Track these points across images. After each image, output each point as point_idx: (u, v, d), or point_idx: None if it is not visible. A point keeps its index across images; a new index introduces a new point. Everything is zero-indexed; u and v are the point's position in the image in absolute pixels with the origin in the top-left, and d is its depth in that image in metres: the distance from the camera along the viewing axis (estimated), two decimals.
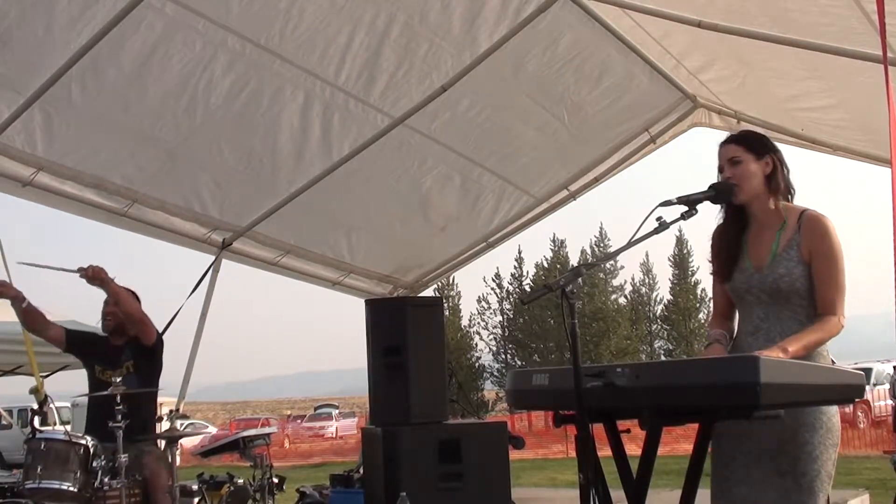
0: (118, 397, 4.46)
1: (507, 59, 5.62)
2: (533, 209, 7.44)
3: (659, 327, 52.27)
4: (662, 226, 2.68)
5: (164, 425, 5.12)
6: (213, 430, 25.56)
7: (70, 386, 8.17)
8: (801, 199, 3.02)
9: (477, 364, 49.25)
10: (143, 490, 4.72)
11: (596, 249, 49.60)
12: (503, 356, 50.81)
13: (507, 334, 51.32)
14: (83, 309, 5.31)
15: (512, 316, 51.08)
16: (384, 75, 5.52)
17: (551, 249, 50.77)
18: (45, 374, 6.56)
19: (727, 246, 3.02)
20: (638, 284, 52.50)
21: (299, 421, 38.30)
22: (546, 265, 49.86)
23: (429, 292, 8.52)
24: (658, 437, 2.66)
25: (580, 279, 2.62)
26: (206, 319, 6.70)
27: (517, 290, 49.84)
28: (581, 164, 7.05)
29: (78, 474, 4.41)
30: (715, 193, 2.92)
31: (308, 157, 6.09)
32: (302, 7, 4.86)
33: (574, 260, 49.65)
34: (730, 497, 2.86)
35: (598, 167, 7.09)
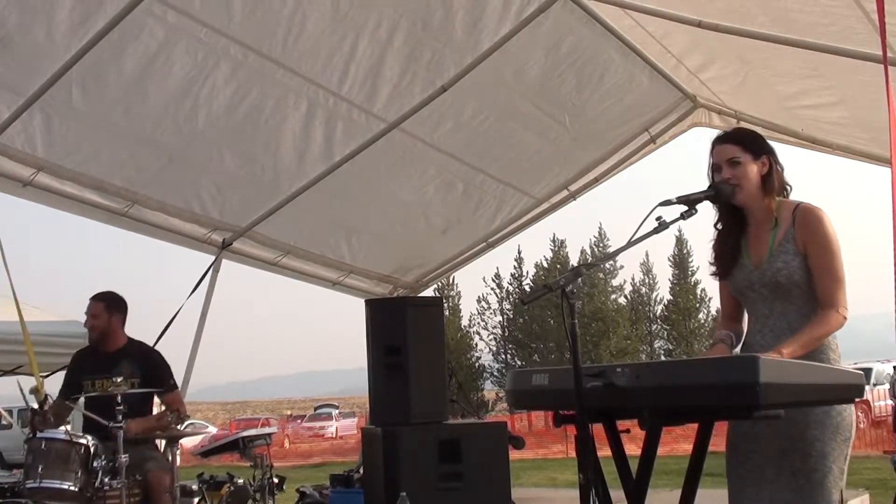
0: (119, 397, 4.46)
1: (509, 65, 5.63)
2: (533, 209, 7.44)
3: (659, 327, 52.28)
4: (662, 225, 2.68)
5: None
6: (213, 429, 25.55)
7: None
8: (800, 199, 3.02)
9: (477, 364, 49.27)
10: (144, 490, 4.73)
11: (596, 249, 49.62)
12: (503, 356, 50.83)
13: (507, 334, 51.33)
14: (83, 308, 5.29)
15: (512, 316, 51.10)
16: (387, 84, 5.53)
17: (551, 249, 50.83)
18: (45, 374, 6.54)
19: (726, 246, 3.03)
20: (638, 284, 52.56)
21: (299, 421, 38.30)
22: (546, 265, 49.88)
23: (429, 292, 8.52)
24: (658, 437, 2.66)
25: (580, 279, 2.62)
26: (207, 319, 6.71)
27: (517, 290, 49.85)
28: (581, 164, 7.05)
29: (79, 474, 4.41)
30: (715, 193, 2.93)
31: (310, 164, 6.10)
32: (304, 15, 4.86)
33: (574, 260, 49.68)
34: (747, 496, 2.87)
35: (598, 167, 7.10)
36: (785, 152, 3.07)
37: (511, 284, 50.76)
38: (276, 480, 5.64)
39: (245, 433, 5.96)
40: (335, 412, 39.61)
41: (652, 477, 2.70)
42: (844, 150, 6.00)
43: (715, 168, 2.98)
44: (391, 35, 5.16)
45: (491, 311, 51.35)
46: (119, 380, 4.58)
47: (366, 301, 5.93)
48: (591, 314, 46.39)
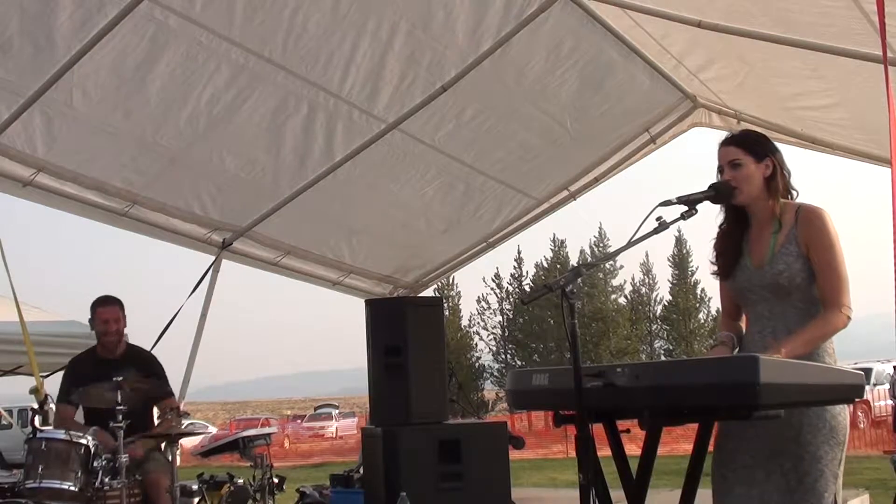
0: (119, 397, 4.45)
1: (510, 66, 5.63)
2: (533, 210, 7.45)
3: (659, 327, 52.25)
4: (662, 226, 2.69)
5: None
6: (213, 430, 25.54)
7: None
8: (800, 199, 3.02)
9: (477, 364, 49.24)
10: (143, 490, 4.73)
11: (596, 249, 49.55)
12: (503, 356, 50.80)
13: (507, 334, 51.30)
14: (83, 308, 5.29)
15: (512, 316, 51.07)
16: (388, 86, 5.54)
17: (551, 249, 50.78)
18: (45, 374, 6.55)
19: (729, 246, 3.03)
20: (638, 284, 52.49)
21: (299, 421, 38.30)
22: (546, 265, 49.85)
23: (429, 292, 8.52)
24: (658, 437, 2.66)
25: (580, 279, 2.62)
26: (207, 319, 6.71)
27: (517, 290, 49.83)
28: (581, 164, 7.06)
29: (79, 474, 4.41)
30: (715, 193, 2.93)
31: (310, 165, 6.11)
32: (305, 18, 4.86)
33: (574, 260, 49.62)
34: (732, 497, 2.85)
35: (598, 168, 7.10)
36: (785, 152, 3.06)
37: (511, 284, 50.73)
38: (276, 480, 5.63)
39: (245, 433, 5.96)
40: (335, 412, 39.61)
41: (652, 477, 2.70)
42: (844, 150, 6.00)
43: (719, 169, 2.99)
44: (391, 37, 5.17)
45: (491, 311, 51.34)
46: (119, 379, 4.56)
47: (366, 301, 5.93)
48: (591, 314, 46.37)
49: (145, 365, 5.22)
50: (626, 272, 53.94)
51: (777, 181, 2.94)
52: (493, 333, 51.18)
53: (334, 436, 34.70)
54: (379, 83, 5.50)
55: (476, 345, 50.13)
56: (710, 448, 2.62)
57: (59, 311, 9.00)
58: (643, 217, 2.71)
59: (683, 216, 2.81)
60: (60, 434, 4.56)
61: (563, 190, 7.30)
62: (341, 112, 5.68)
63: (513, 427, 21.85)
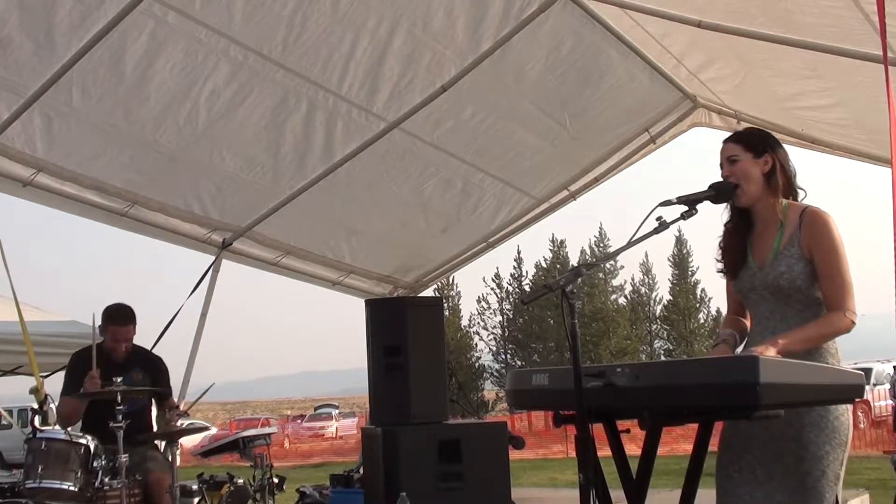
0: (119, 397, 4.45)
1: (510, 65, 5.63)
2: (533, 209, 7.45)
3: (659, 327, 52.29)
4: (662, 226, 2.69)
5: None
6: (213, 430, 25.55)
7: None
8: (808, 203, 3.02)
9: (477, 364, 49.26)
10: (144, 490, 4.73)
11: (596, 249, 49.60)
12: (503, 356, 50.81)
13: (507, 334, 51.32)
14: (83, 308, 5.30)
15: (512, 316, 51.09)
16: (387, 84, 5.53)
17: (551, 249, 50.84)
18: (45, 374, 6.55)
19: (734, 245, 3.03)
20: (638, 284, 52.58)
21: (299, 421, 38.31)
22: (546, 265, 49.88)
23: (429, 292, 8.52)
24: (658, 437, 2.66)
25: (580, 279, 2.62)
26: (207, 319, 6.71)
27: (517, 290, 49.85)
28: (581, 164, 7.05)
29: (79, 474, 4.40)
30: (715, 193, 2.93)
31: (311, 164, 6.10)
32: (305, 16, 4.85)
33: (574, 260, 49.70)
34: (736, 497, 2.86)
35: (598, 167, 7.10)
36: None
37: (511, 284, 50.78)
38: (276, 480, 5.63)
39: (245, 433, 5.96)
40: (335, 412, 39.62)
41: (652, 477, 2.70)
42: (844, 150, 6.00)
43: (720, 166, 3.00)
44: (391, 35, 5.16)
45: (491, 311, 51.39)
46: (120, 380, 4.56)
47: (366, 301, 5.93)
48: (591, 314, 46.41)
49: (150, 366, 5.24)
50: (626, 272, 54.10)
51: (777, 178, 2.94)
52: (493, 333, 51.26)
53: (334, 436, 34.71)
54: (378, 81, 5.49)
55: (476, 345, 50.22)
56: (712, 448, 2.61)
57: (59, 311, 9.00)
58: (643, 217, 2.71)
59: (683, 216, 2.81)
60: (60, 434, 4.56)
61: (563, 190, 7.29)
62: (341, 110, 5.68)
63: (513, 427, 21.86)
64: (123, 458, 4.41)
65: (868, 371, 20.25)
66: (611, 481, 2.75)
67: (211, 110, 5.31)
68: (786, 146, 3.08)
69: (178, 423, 5.00)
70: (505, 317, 51.55)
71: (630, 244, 2.76)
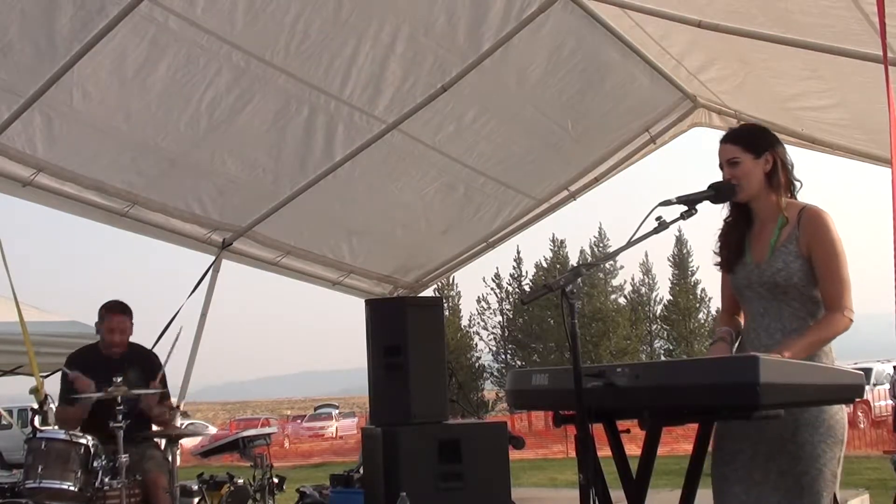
0: (119, 397, 4.45)
1: (511, 68, 5.64)
2: (533, 210, 7.45)
3: (659, 327, 52.25)
4: (662, 225, 2.69)
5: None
6: (213, 430, 25.55)
7: None
8: (799, 199, 3.02)
9: (477, 364, 49.23)
10: (143, 490, 4.73)
11: (595, 249, 49.58)
12: (503, 356, 50.80)
13: (506, 334, 51.30)
14: (83, 308, 5.30)
15: (512, 316, 51.07)
16: (389, 89, 5.54)
17: (551, 249, 50.80)
18: (45, 374, 6.54)
19: (731, 242, 3.03)
20: (638, 284, 52.52)
21: (299, 421, 38.32)
22: (545, 265, 49.86)
23: (429, 292, 8.52)
24: (658, 437, 2.66)
25: (580, 279, 2.62)
26: (207, 319, 6.71)
27: (517, 290, 49.83)
28: (581, 164, 7.06)
29: (79, 474, 4.40)
30: (715, 193, 2.93)
31: (311, 165, 6.11)
32: (307, 22, 4.86)
33: (574, 260, 49.65)
34: (730, 496, 2.85)
35: (598, 167, 7.10)
36: None
37: (511, 285, 50.75)
38: (276, 480, 5.64)
39: (245, 433, 5.96)
40: (335, 412, 39.63)
41: (652, 477, 2.70)
42: (844, 150, 6.00)
43: (720, 167, 3.00)
44: (393, 41, 5.17)
45: (491, 311, 51.35)
46: (119, 380, 4.55)
47: (366, 301, 5.93)
48: (591, 314, 46.38)
49: (145, 362, 5.22)
50: (626, 272, 54.03)
51: (778, 175, 2.94)
52: (493, 333, 51.22)
53: (334, 436, 34.72)
54: (380, 86, 5.50)
55: (476, 345, 50.17)
56: (711, 447, 2.62)
57: (59, 311, 9.01)
58: (643, 217, 2.71)
59: (683, 216, 2.81)
60: (60, 434, 4.56)
61: (563, 190, 7.30)
62: (342, 114, 5.69)
63: (513, 427, 21.85)
64: (123, 457, 4.41)
65: (868, 371, 20.25)
66: (611, 481, 2.76)
67: (212, 116, 5.32)
68: (786, 146, 3.08)
69: (178, 423, 4.99)
70: (505, 317, 51.52)
71: (630, 244, 2.76)
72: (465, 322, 50.45)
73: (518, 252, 50.85)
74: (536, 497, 10.15)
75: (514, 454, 6.32)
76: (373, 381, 5.65)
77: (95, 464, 4.46)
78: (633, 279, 52.64)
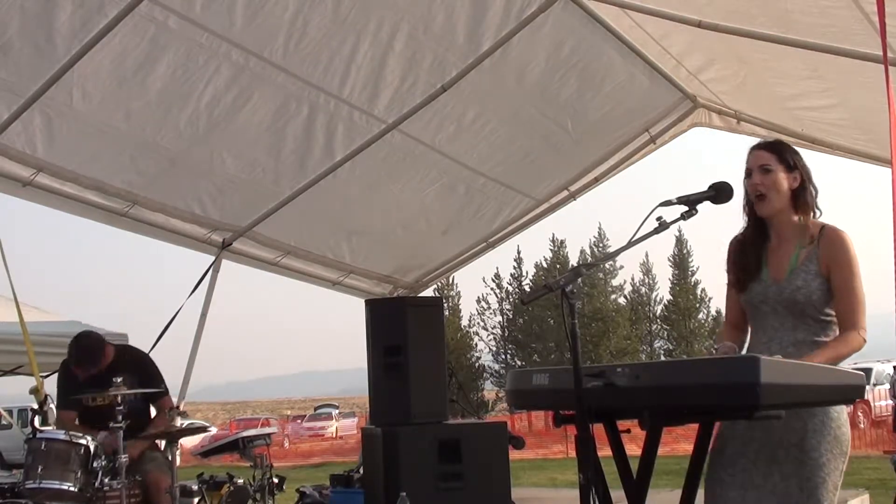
0: (119, 398, 4.45)
1: (510, 68, 5.63)
2: (533, 210, 7.45)
3: (659, 327, 52.27)
4: (662, 226, 2.69)
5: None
6: (213, 430, 25.55)
7: None
8: (825, 221, 3.00)
9: (477, 364, 49.24)
10: (143, 490, 4.73)
11: (595, 249, 49.58)
12: (503, 356, 50.80)
13: (507, 334, 51.30)
14: (82, 308, 5.30)
15: (512, 316, 51.07)
16: (389, 87, 5.54)
17: (551, 249, 50.80)
18: (45, 374, 6.55)
19: (746, 257, 3.03)
20: (638, 284, 52.54)
21: (299, 421, 38.32)
22: (546, 265, 49.86)
23: (429, 292, 8.52)
24: (658, 437, 2.66)
25: (580, 279, 2.62)
26: (207, 319, 6.71)
27: (517, 290, 49.83)
28: (581, 164, 7.06)
29: (79, 474, 4.41)
30: (715, 193, 2.92)
31: (311, 165, 6.10)
32: (306, 20, 4.85)
33: (574, 260, 49.65)
34: (725, 500, 2.85)
35: (598, 167, 7.10)
36: None
37: (511, 284, 50.76)
38: (275, 480, 5.64)
39: (245, 433, 5.96)
40: (335, 412, 39.64)
41: (652, 477, 2.70)
42: (844, 150, 6.00)
43: (747, 173, 2.99)
44: (392, 39, 5.16)
45: (491, 311, 51.35)
46: (118, 380, 4.55)
47: (366, 301, 5.93)
48: (591, 314, 46.37)
49: (136, 366, 5.19)
50: (626, 272, 54.02)
51: (805, 196, 2.95)
52: (493, 333, 51.23)
53: (334, 436, 34.73)
54: (380, 84, 5.50)
55: (476, 345, 50.16)
56: (710, 449, 2.61)
57: (59, 311, 9.01)
58: (643, 217, 2.71)
59: (683, 216, 2.81)
60: (60, 434, 4.56)
61: (563, 190, 7.30)
62: (342, 113, 5.68)
63: (513, 427, 21.85)
64: (123, 458, 4.41)
65: (868, 371, 20.26)
66: (611, 481, 2.75)
67: (212, 114, 5.31)
68: None
69: (178, 423, 4.99)
70: (505, 317, 51.53)
71: (630, 244, 2.76)
72: (465, 322, 50.49)
73: (518, 252, 50.89)
74: (536, 497, 10.16)
75: (514, 454, 6.32)
76: (373, 381, 5.65)
77: (95, 464, 4.47)
78: (633, 279, 52.71)
